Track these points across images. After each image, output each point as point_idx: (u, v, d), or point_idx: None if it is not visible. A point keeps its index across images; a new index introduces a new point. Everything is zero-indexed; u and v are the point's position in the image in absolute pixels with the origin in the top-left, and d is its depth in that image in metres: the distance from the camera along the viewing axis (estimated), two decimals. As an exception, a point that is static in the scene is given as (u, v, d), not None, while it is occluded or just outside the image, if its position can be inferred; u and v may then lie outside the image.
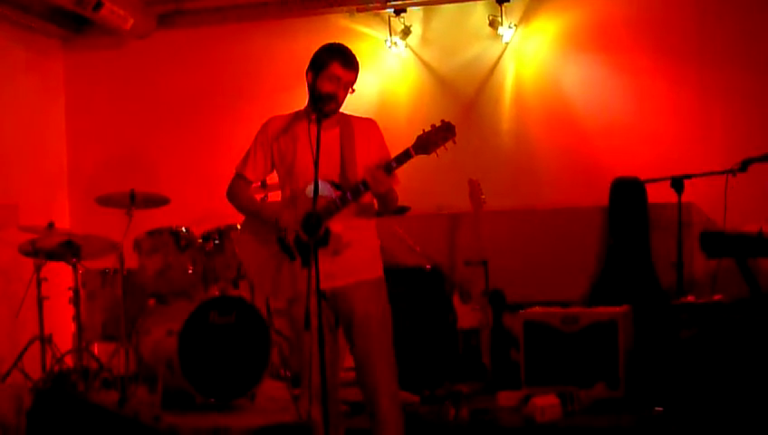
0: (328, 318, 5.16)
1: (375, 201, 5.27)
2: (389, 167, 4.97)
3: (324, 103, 5.09)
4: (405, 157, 4.97)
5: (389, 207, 5.31)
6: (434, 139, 4.94)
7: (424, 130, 4.96)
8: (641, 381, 7.08)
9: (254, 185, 5.57)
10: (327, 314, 5.14)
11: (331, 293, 5.12)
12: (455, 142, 4.97)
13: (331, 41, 5.26)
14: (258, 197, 8.14)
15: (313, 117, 5.05)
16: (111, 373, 7.88)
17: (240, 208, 5.45)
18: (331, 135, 5.14)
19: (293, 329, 5.38)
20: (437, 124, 4.97)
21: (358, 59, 5.22)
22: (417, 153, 4.96)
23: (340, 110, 5.23)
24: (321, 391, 4.90)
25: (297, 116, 5.27)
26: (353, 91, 5.20)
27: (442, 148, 4.98)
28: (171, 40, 9.70)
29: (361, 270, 5.21)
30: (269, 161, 5.32)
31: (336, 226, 5.06)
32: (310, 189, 4.92)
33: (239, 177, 5.39)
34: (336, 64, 5.10)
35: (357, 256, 5.17)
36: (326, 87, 5.10)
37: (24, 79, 9.51)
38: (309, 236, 4.94)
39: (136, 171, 9.36)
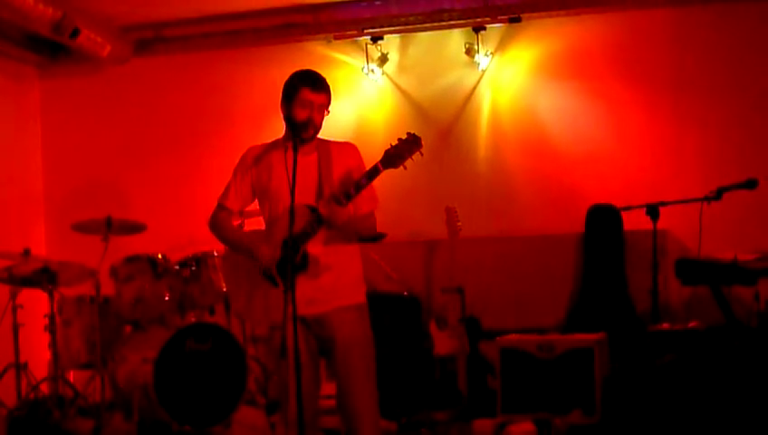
0: (310, 345, 5.17)
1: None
2: (359, 185, 4.99)
3: (302, 130, 5.12)
4: (374, 173, 5.01)
5: (365, 234, 5.32)
6: (401, 152, 4.97)
7: (391, 144, 4.99)
8: (617, 408, 7.08)
9: (234, 217, 5.57)
10: (309, 341, 5.15)
11: (313, 319, 5.12)
12: (422, 154, 4.99)
13: (308, 68, 5.29)
14: (235, 223, 8.18)
15: (290, 144, 5.08)
16: (87, 401, 7.83)
17: (221, 239, 5.48)
18: (308, 160, 5.18)
19: (274, 356, 5.37)
20: (403, 137, 4.99)
21: (328, 82, 5.26)
22: (385, 167, 5.00)
23: (320, 135, 5.26)
24: (297, 419, 4.88)
25: (274, 145, 5.32)
26: (328, 112, 5.25)
27: (409, 160, 4.99)
28: (148, 67, 9.69)
29: (343, 295, 5.21)
30: (249, 190, 5.36)
31: (315, 249, 5.08)
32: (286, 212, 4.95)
33: (220, 207, 5.42)
34: (305, 90, 5.14)
35: (338, 281, 5.18)
36: (300, 114, 5.14)
37: (-1, 105, 9.50)
38: (287, 261, 4.95)
39: (112, 198, 9.32)
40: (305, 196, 5.11)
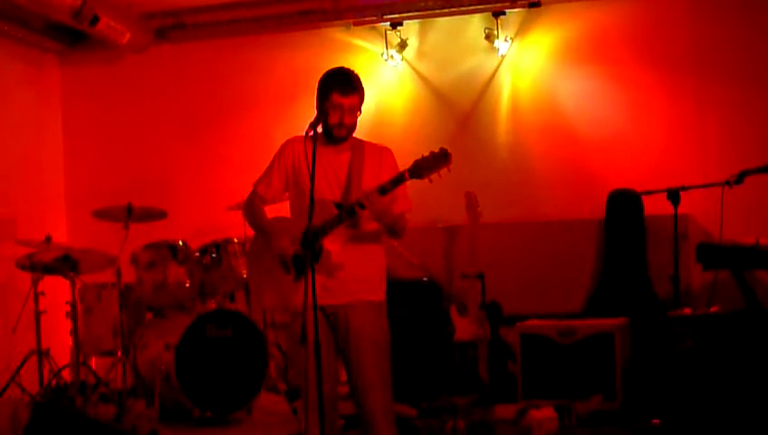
0: (327, 334, 5.18)
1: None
2: (384, 189, 5.00)
3: (333, 132, 5.20)
4: (399, 180, 5.01)
5: (397, 234, 5.33)
6: (429, 164, 4.97)
7: (422, 156, 4.99)
8: (638, 394, 7.09)
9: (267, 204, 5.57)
10: (326, 331, 5.16)
11: (330, 310, 5.15)
12: (449, 170, 4.99)
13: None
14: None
15: (320, 139, 5.15)
16: (109, 387, 7.86)
17: (250, 223, 5.54)
18: (341, 159, 5.25)
19: (294, 344, 5.39)
20: (435, 151, 4.99)
21: (359, 79, 5.28)
22: (411, 177, 4.99)
23: (358, 136, 5.34)
24: (318, 405, 4.89)
25: (310, 139, 5.33)
26: (360, 113, 5.27)
27: (436, 175, 4.99)
28: (168, 54, 9.71)
29: (361, 290, 5.22)
30: (283, 182, 5.39)
31: (334, 245, 5.12)
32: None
33: (254, 193, 5.46)
34: (335, 94, 5.17)
35: (354, 277, 5.19)
36: (332, 118, 5.18)
37: (20, 93, 9.52)
38: (304, 250, 4.98)
39: (133, 185, 9.33)
40: (334, 193, 5.19)
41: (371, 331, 5.23)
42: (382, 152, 5.37)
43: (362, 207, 4.98)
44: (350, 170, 5.24)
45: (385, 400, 5.25)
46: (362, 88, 5.27)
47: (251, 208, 5.47)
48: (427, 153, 4.97)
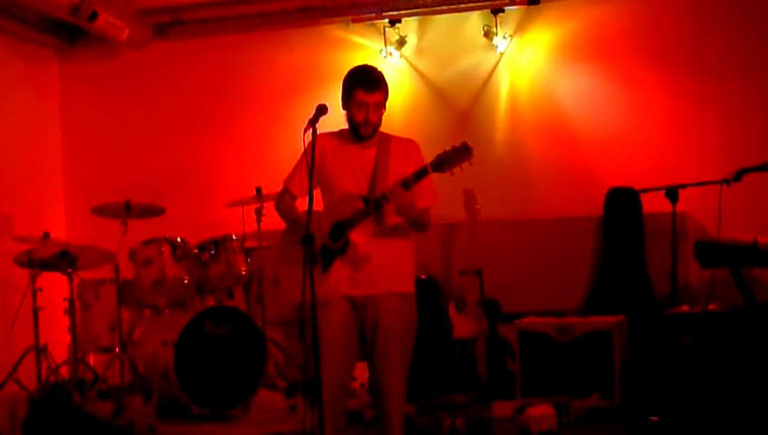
0: (350, 326, 5.24)
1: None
2: (407, 182, 5.04)
3: (360, 130, 5.25)
4: (422, 173, 5.08)
5: (421, 228, 5.37)
6: (452, 158, 5.04)
7: (444, 150, 5.05)
8: (636, 391, 7.08)
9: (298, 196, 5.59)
10: (350, 322, 5.23)
11: (360, 301, 5.21)
12: (471, 164, 5.04)
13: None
14: (255, 206, 8.20)
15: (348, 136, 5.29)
16: (107, 384, 7.85)
17: (283, 218, 5.56)
18: (367, 154, 5.31)
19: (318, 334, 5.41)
20: (457, 145, 5.04)
21: (383, 75, 5.32)
22: (434, 170, 5.07)
23: (385, 130, 5.39)
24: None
25: (339, 134, 5.39)
26: (384, 109, 5.32)
27: (458, 168, 5.01)
28: (167, 50, 9.71)
29: (389, 282, 5.27)
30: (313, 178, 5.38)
31: (360, 238, 5.17)
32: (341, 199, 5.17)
33: (285, 191, 5.51)
34: (359, 91, 5.22)
35: (385, 268, 5.24)
36: (357, 116, 5.24)
37: (18, 89, 9.51)
38: (333, 242, 5.14)
39: (131, 181, 9.32)
40: (360, 187, 5.25)
41: (401, 324, 5.30)
42: (407, 144, 5.43)
43: (386, 199, 5.02)
44: (376, 164, 5.29)
45: (402, 402, 5.36)
46: (386, 84, 5.32)
47: (281, 205, 5.53)
48: (448, 147, 5.00)
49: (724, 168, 7.25)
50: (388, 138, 5.38)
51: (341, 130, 5.40)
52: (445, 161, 5.04)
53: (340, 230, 5.14)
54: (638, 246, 8.40)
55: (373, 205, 5.11)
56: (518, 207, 8.91)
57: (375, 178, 5.26)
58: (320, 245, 5.21)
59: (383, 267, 5.23)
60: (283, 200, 5.51)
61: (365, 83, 5.23)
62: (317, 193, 5.28)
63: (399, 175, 5.17)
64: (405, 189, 5.05)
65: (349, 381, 5.44)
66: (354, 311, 5.23)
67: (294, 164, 5.49)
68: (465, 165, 5.08)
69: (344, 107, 5.30)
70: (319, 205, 5.37)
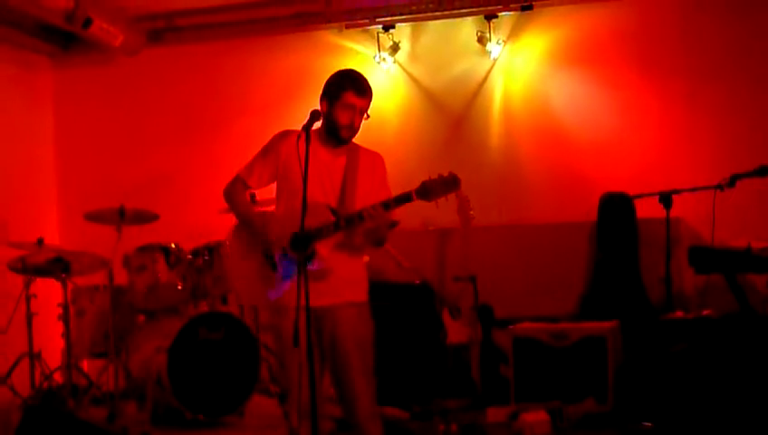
0: (313, 336, 5.19)
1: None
2: (388, 205, 5.01)
3: (341, 133, 5.19)
4: (405, 199, 5.02)
5: (380, 244, 5.35)
6: (438, 188, 4.98)
7: (430, 177, 5.00)
8: (630, 397, 7.09)
9: (249, 191, 5.55)
10: (312, 332, 5.17)
11: (318, 312, 5.12)
12: (457, 196, 5.03)
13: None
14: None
15: (316, 137, 5.15)
16: (101, 390, 7.86)
17: (234, 211, 5.50)
18: (337, 162, 5.25)
19: (278, 343, 5.40)
20: (445, 175, 4.99)
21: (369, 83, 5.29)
22: (418, 198, 5.01)
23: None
24: (309, 407, 4.90)
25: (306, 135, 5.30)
26: (368, 116, 5.27)
27: (443, 199, 4.99)
28: (160, 57, 9.70)
29: (347, 292, 5.26)
30: (272, 174, 5.34)
31: (323, 249, 5.12)
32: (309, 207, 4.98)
33: (239, 179, 5.40)
34: (349, 93, 5.17)
35: (344, 278, 5.22)
36: (342, 118, 5.18)
37: (12, 95, 9.50)
38: (297, 252, 4.99)
39: (125, 187, 9.30)
40: (327, 196, 5.19)
41: (361, 332, 5.28)
42: (375, 159, 5.38)
43: (362, 219, 4.99)
44: (345, 175, 5.24)
45: (372, 404, 5.32)
46: (372, 95, 5.27)
47: (234, 196, 5.42)
48: (435, 175, 4.98)
49: (717, 173, 7.27)
50: (356, 148, 5.34)
51: (313, 130, 5.30)
52: (431, 190, 4.97)
53: (304, 240, 4.98)
54: (633, 252, 8.40)
55: (346, 221, 5.05)
56: (512, 213, 8.92)
57: (344, 190, 5.21)
58: (279, 252, 5.17)
59: (342, 277, 5.21)
60: (236, 189, 5.40)
61: (357, 87, 5.19)
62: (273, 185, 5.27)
63: (367, 189, 5.16)
64: (384, 211, 5.01)
65: (322, 385, 5.39)
66: (314, 321, 5.10)
67: (255, 155, 5.40)
68: (452, 196, 5.04)
69: (326, 106, 5.21)
70: (268, 193, 5.31)
